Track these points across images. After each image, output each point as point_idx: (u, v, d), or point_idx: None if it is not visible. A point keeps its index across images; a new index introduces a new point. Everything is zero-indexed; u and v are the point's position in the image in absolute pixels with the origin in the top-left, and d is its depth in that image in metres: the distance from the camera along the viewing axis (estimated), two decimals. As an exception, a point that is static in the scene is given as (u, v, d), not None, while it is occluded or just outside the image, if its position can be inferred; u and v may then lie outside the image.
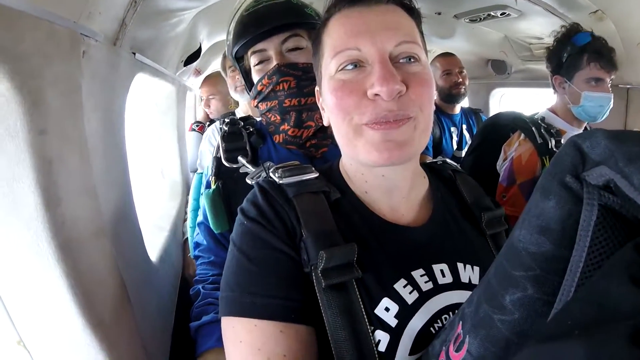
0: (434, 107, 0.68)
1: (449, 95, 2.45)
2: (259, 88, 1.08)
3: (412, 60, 0.65)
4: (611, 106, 1.54)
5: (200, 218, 1.19)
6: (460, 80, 2.44)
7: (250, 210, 0.68)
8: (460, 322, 0.46)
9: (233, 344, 0.60)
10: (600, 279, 0.29)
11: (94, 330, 0.75)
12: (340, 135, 0.69)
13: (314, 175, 0.74)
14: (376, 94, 0.62)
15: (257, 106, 1.15)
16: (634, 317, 0.24)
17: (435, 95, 0.69)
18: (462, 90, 2.44)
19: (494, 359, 0.41)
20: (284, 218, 0.67)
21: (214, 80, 2.73)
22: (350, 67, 0.65)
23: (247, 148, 1.09)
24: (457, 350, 0.45)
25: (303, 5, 1.08)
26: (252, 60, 1.09)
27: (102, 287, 0.81)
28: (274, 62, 1.05)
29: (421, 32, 0.71)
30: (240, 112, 1.83)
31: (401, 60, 0.64)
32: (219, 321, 0.65)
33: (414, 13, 0.70)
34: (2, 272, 0.68)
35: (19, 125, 0.62)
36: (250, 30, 1.05)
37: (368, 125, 0.63)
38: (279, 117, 1.09)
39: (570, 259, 0.34)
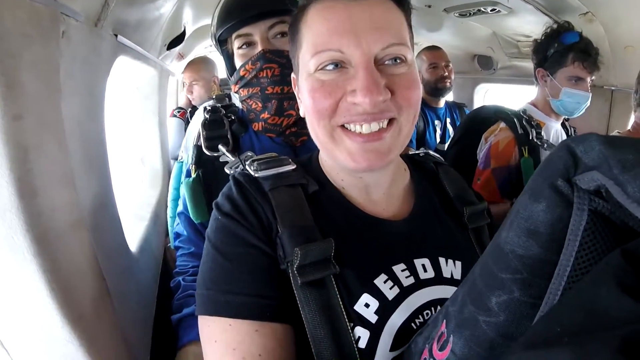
0: (417, 109, 0.66)
1: (435, 89, 2.45)
2: (241, 73, 1.06)
3: (397, 61, 0.62)
4: (588, 104, 1.61)
5: (180, 208, 1.16)
6: (447, 74, 2.45)
7: (224, 205, 0.66)
8: (444, 321, 0.46)
9: (209, 344, 0.59)
10: (589, 285, 0.29)
11: (73, 326, 0.71)
12: (315, 136, 0.67)
13: (291, 167, 0.72)
14: (356, 103, 0.59)
15: (237, 92, 1.12)
16: (622, 325, 0.24)
17: (420, 95, 0.67)
18: (448, 84, 2.45)
19: (478, 359, 0.41)
20: (259, 213, 0.65)
21: (197, 66, 2.67)
22: (330, 67, 0.62)
23: (229, 136, 1.07)
24: (440, 349, 0.45)
25: None
26: (236, 43, 1.07)
27: (81, 280, 0.78)
28: (259, 48, 1.02)
29: (410, 26, 0.68)
30: (236, 95, 1.79)
31: (386, 62, 0.61)
32: None
33: (404, 5, 0.66)
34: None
35: (-8, 110, 0.57)
36: (237, 13, 1.02)
37: (346, 132, 0.62)
38: (260, 105, 1.07)
39: (557, 263, 0.34)
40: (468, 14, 2.10)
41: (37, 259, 0.65)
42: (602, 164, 0.30)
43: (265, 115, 1.07)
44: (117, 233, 1.12)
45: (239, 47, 1.06)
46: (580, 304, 0.29)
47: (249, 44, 1.05)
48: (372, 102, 0.58)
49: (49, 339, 0.70)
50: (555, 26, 1.63)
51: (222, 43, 1.12)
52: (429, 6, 2.10)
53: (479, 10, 2.00)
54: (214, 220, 0.66)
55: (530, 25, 2.01)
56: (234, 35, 1.06)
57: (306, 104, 0.65)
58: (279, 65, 1.02)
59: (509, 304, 0.37)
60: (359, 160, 0.62)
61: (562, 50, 1.57)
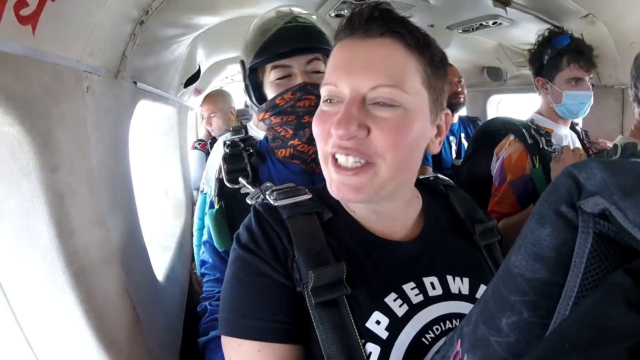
0: (405, 154, 0.67)
1: (449, 105, 2.44)
2: (277, 102, 1.11)
3: (384, 104, 0.64)
4: (591, 102, 1.61)
5: (205, 237, 1.23)
6: (460, 89, 2.46)
7: (243, 235, 0.72)
8: (459, 340, 0.48)
9: (226, 358, 0.67)
10: (597, 303, 0.31)
11: (106, 351, 0.79)
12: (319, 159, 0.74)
13: (307, 196, 0.77)
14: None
15: (264, 119, 1.17)
16: (629, 338, 0.26)
17: (411, 141, 0.67)
18: (462, 99, 2.47)
19: None
20: (274, 242, 0.70)
21: (214, 99, 2.79)
22: (328, 100, 0.69)
23: (248, 169, 1.13)
24: None
25: (323, 32, 1.13)
26: (273, 75, 1.12)
27: (113, 309, 0.86)
28: (299, 80, 1.08)
29: (427, 72, 0.68)
30: (253, 126, 1.85)
31: (376, 103, 0.64)
32: None
33: (414, 50, 0.66)
34: (21, 300, 0.72)
35: (32, 165, 0.66)
36: (279, 45, 1.08)
37: (333, 161, 0.67)
38: (291, 132, 1.12)
39: (564, 284, 0.35)
40: (471, 29, 2.12)
41: (75, 292, 0.73)
42: (604, 190, 0.32)
43: (295, 142, 1.12)
44: (145, 265, 1.20)
45: (277, 78, 1.11)
46: (588, 322, 0.30)
47: (287, 76, 1.11)
48: (340, 134, 0.63)
49: None
50: (546, 33, 1.66)
51: (252, 71, 1.17)
52: (432, 25, 2.14)
53: (481, 24, 2.02)
54: (233, 250, 0.73)
55: (534, 33, 1.99)
56: (269, 66, 1.12)
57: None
58: (316, 97, 1.07)
59: (519, 324, 0.38)
60: (335, 190, 0.68)
61: (556, 55, 1.60)
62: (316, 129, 0.70)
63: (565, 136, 1.73)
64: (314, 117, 0.71)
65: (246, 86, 1.20)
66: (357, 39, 0.67)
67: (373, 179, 0.66)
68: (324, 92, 0.69)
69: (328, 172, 0.70)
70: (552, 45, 1.61)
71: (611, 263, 0.33)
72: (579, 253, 0.34)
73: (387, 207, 0.75)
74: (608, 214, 0.32)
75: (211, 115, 2.77)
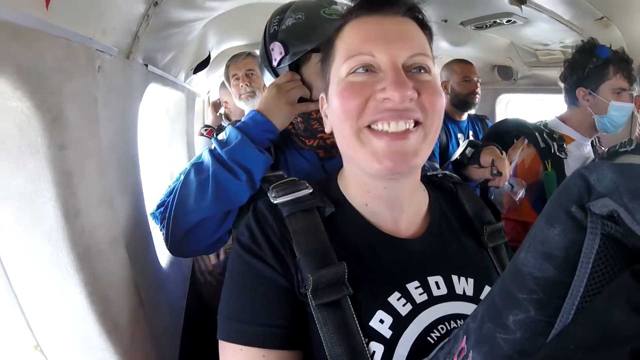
0: (441, 117, 0.69)
1: (464, 102, 2.42)
2: None
3: (422, 70, 0.67)
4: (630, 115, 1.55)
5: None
6: (477, 89, 2.43)
7: (243, 234, 0.71)
8: (465, 337, 0.48)
9: None
10: (602, 305, 0.31)
11: (109, 335, 0.78)
12: (342, 140, 0.70)
13: (308, 191, 0.74)
14: (386, 99, 0.63)
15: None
16: (632, 340, 0.26)
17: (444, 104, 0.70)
18: (477, 99, 2.44)
19: None
20: (274, 242, 0.68)
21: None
22: (361, 70, 0.66)
23: None
24: None
25: None
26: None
27: (118, 293, 0.85)
28: None
29: (430, 47, 0.72)
30: None
31: (413, 70, 0.66)
32: None
33: (426, 28, 0.72)
34: (23, 281, 0.71)
35: (40, 142, 0.65)
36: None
37: (373, 132, 0.65)
38: (321, 127, 1.08)
39: (571, 284, 0.35)
40: (484, 26, 2.10)
41: (80, 274, 0.72)
42: (614, 192, 0.32)
43: (324, 135, 1.08)
44: (150, 249, 1.20)
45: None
46: (593, 323, 0.30)
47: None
48: (402, 95, 0.62)
49: (86, 347, 0.77)
50: (583, 42, 1.58)
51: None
52: (445, 20, 2.12)
53: (495, 22, 1.99)
54: (233, 249, 0.71)
55: (547, 33, 2.00)
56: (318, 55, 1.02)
57: (334, 107, 0.69)
58: None
59: (525, 322, 0.39)
60: (384, 160, 0.64)
61: (602, 64, 1.51)
62: (348, 104, 0.66)
63: (584, 147, 1.64)
64: (339, 92, 0.68)
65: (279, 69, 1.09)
66: (380, 16, 0.69)
67: (424, 141, 0.66)
68: (353, 62, 0.67)
69: (365, 146, 0.66)
70: (597, 53, 1.52)
71: (618, 264, 0.33)
72: (586, 253, 0.34)
73: (402, 189, 0.73)
74: (616, 216, 0.32)
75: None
